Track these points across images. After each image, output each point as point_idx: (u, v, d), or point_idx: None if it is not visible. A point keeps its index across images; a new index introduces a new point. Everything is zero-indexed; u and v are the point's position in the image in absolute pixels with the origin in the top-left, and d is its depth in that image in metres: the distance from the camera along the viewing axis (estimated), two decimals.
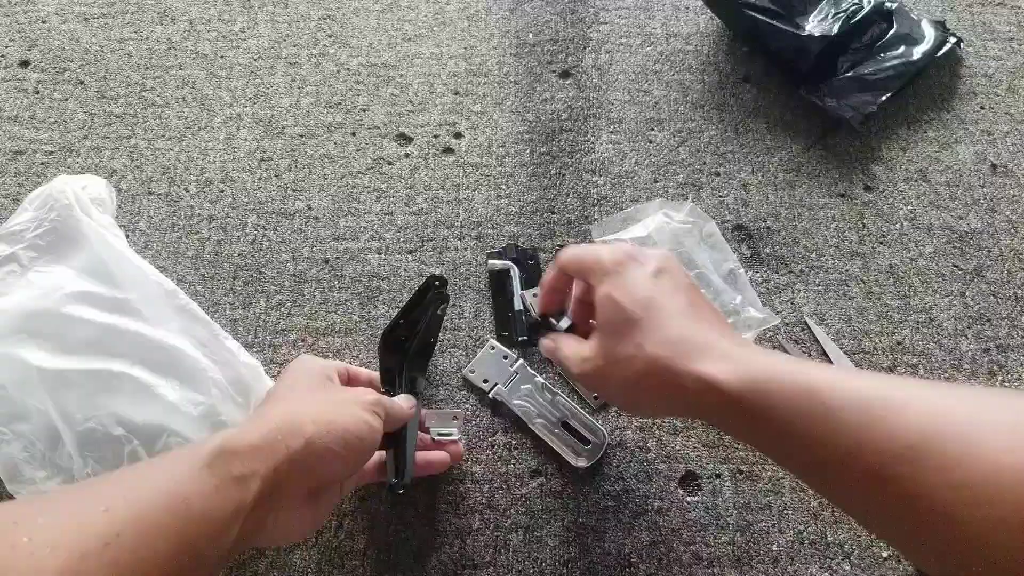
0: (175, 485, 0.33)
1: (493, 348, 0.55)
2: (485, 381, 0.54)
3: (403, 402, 0.46)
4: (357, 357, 0.56)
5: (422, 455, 0.47)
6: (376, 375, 0.49)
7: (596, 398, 0.54)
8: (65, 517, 0.31)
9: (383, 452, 0.46)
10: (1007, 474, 0.26)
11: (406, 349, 0.48)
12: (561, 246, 0.58)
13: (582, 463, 0.51)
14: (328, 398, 0.42)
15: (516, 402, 0.53)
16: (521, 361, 0.55)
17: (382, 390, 0.48)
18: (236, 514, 0.33)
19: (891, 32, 0.67)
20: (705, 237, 0.57)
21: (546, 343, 0.46)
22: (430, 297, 0.48)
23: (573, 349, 0.42)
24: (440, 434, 0.49)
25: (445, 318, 0.57)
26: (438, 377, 0.55)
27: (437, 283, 0.48)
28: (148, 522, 0.31)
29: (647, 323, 0.37)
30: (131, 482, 0.34)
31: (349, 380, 0.48)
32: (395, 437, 0.45)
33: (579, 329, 0.45)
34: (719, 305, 0.55)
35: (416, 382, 0.49)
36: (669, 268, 0.40)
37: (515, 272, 0.57)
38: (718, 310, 0.40)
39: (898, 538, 0.31)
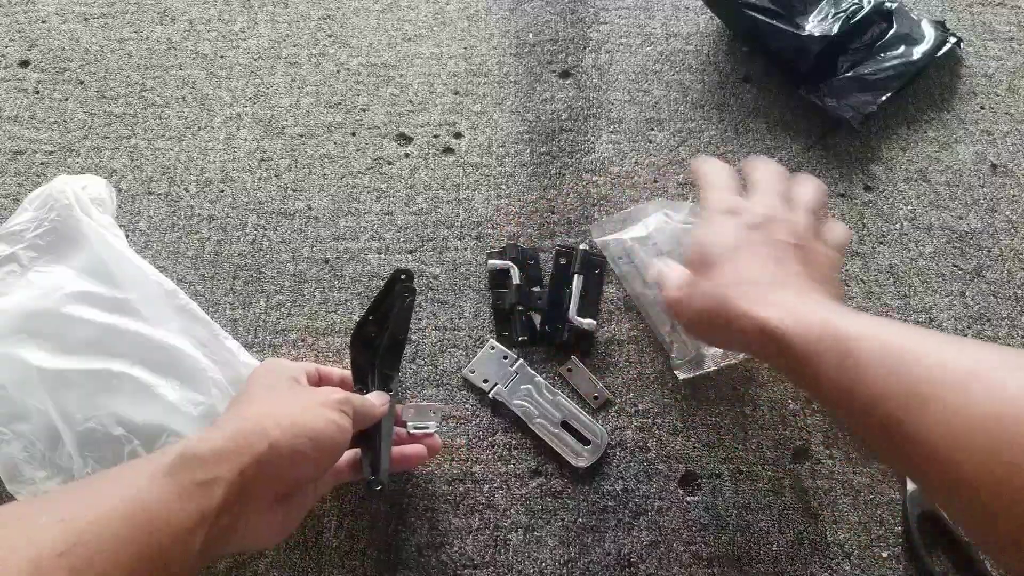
0: (135, 493, 0.32)
1: (493, 348, 0.55)
2: (485, 381, 0.54)
3: (375, 399, 0.45)
4: None
5: (397, 450, 0.47)
6: (348, 374, 0.48)
7: (596, 398, 0.54)
8: (18, 529, 0.30)
9: (357, 450, 0.46)
10: (993, 424, 0.29)
11: (376, 346, 0.48)
12: (561, 247, 0.59)
13: (582, 463, 0.51)
14: (293, 399, 0.41)
15: (516, 402, 0.53)
16: (521, 361, 0.55)
17: (355, 388, 0.48)
18: (200, 521, 0.33)
19: (891, 32, 0.67)
20: None
21: (655, 266, 0.50)
22: (397, 291, 0.48)
23: (672, 276, 0.47)
24: (416, 427, 0.48)
25: (446, 317, 0.57)
26: (438, 377, 0.55)
27: (403, 276, 0.48)
28: (106, 532, 0.30)
29: (725, 266, 0.42)
30: (89, 493, 0.33)
31: (320, 380, 0.47)
32: (369, 434, 0.45)
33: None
34: None
35: (390, 379, 0.49)
36: (766, 226, 0.43)
37: (515, 272, 0.57)
38: (808, 269, 0.43)
39: (916, 478, 0.35)
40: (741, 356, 0.54)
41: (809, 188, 0.47)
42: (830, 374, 0.35)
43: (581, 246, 0.58)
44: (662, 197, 0.62)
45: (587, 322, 0.55)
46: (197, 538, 0.32)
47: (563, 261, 0.58)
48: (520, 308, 0.56)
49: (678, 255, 0.56)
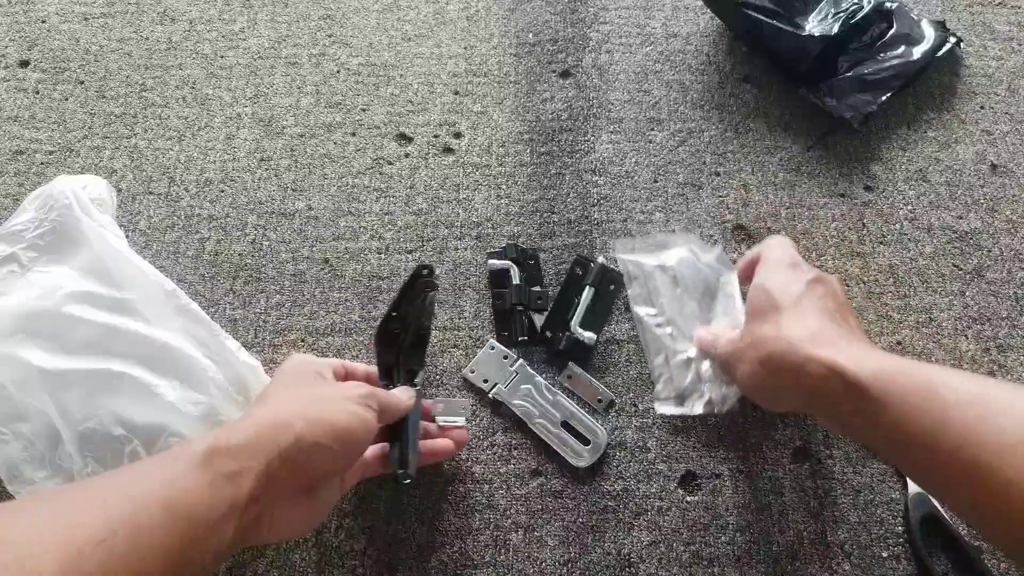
0: (169, 483, 0.33)
1: (493, 348, 0.55)
2: (485, 381, 0.54)
3: (401, 394, 0.46)
4: (357, 357, 0.56)
5: (427, 444, 0.48)
6: (374, 369, 0.49)
7: (600, 400, 0.54)
8: (60, 515, 0.31)
9: (385, 444, 0.46)
10: None
11: (400, 342, 0.49)
12: (580, 256, 0.58)
13: (582, 463, 0.51)
14: (318, 394, 0.42)
15: (516, 402, 0.53)
16: (521, 361, 0.55)
17: (380, 384, 0.48)
18: (230, 511, 0.33)
19: (891, 32, 0.67)
20: (722, 285, 0.55)
21: (702, 334, 0.51)
22: (419, 286, 0.48)
23: (725, 336, 0.48)
24: (445, 421, 0.49)
25: (446, 317, 0.57)
26: (438, 377, 0.55)
27: (425, 271, 0.48)
28: (143, 519, 0.31)
29: (789, 312, 0.42)
30: (126, 481, 0.34)
31: (346, 376, 0.48)
32: (397, 429, 0.46)
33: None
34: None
35: (415, 374, 0.49)
36: (825, 281, 0.45)
37: (515, 272, 0.57)
38: (861, 326, 0.45)
39: (992, 528, 0.34)
40: (727, 407, 0.51)
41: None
42: (910, 416, 0.35)
43: (599, 259, 0.58)
44: (692, 232, 0.60)
45: (587, 335, 0.55)
46: (228, 528, 0.33)
47: (579, 271, 0.58)
48: (520, 308, 0.56)
49: (697, 293, 0.54)
